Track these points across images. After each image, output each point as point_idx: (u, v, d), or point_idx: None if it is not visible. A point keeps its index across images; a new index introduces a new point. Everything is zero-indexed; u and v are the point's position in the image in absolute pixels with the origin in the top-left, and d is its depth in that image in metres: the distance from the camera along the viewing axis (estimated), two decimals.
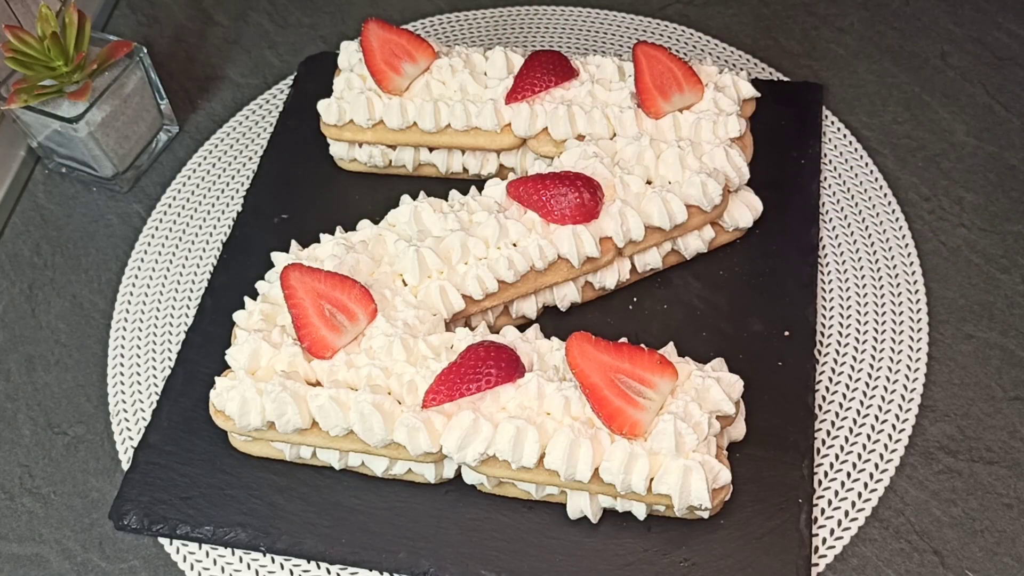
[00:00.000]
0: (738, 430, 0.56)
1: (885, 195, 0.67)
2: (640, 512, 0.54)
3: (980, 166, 0.68)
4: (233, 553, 0.57)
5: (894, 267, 0.64)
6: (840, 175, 0.68)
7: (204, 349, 0.63)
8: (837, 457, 0.57)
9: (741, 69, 0.74)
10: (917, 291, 0.63)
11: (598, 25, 0.80)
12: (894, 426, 0.58)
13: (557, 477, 0.52)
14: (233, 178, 0.74)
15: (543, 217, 0.59)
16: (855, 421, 0.58)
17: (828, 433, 0.58)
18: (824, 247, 0.65)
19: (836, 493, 0.56)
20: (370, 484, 0.57)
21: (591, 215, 0.59)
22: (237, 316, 0.59)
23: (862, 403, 0.59)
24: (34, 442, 0.62)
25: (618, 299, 0.63)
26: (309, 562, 0.56)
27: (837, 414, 0.58)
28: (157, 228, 0.72)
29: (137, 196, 0.74)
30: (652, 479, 0.51)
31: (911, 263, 0.64)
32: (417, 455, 0.53)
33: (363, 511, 0.57)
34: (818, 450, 0.57)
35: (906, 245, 0.65)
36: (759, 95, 0.66)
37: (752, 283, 0.63)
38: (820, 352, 0.61)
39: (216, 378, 0.56)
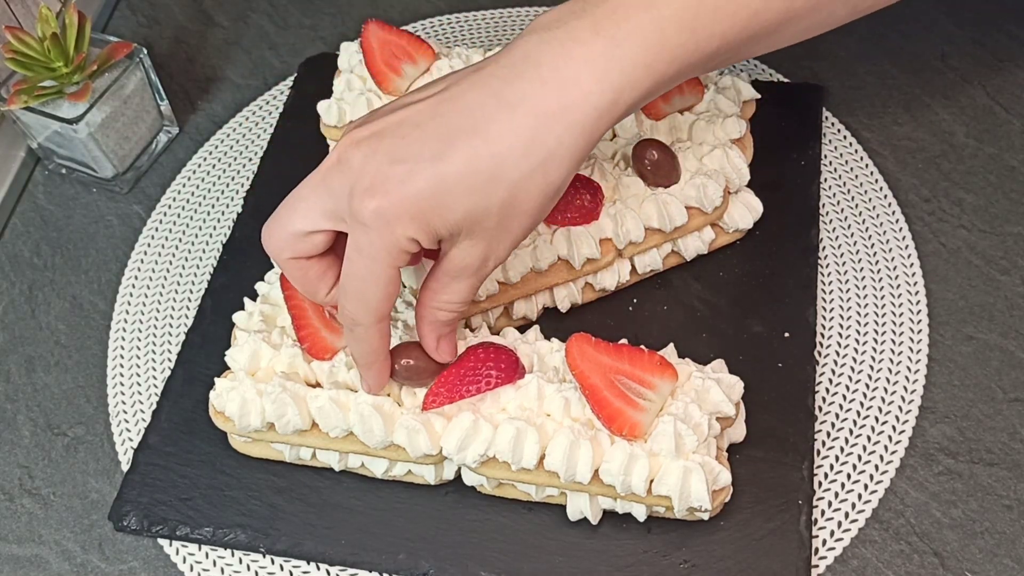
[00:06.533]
0: (738, 431, 0.56)
1: (885, 196, 0.67)
2: (640, 513, 0.54)
3: (980, 168, 0.68)
4: (233, 554, 0.57)
5: (894, 268, 0.64)
6: (840, 176, 0.68)
7: (204, 350, 0.63)
8: (837, 459, 0.57)
9: (741, 71, 0.74)
10: (917, 292, 0.63)
11: None
12: (894, 427, 0.58)
13: (557, 478, 0.52)
14: (233, 179, 0.74)
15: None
16: (855, 422, 0.58)
17: (828, 435, 0.58)
18: (824, 248, 0.65)
19: (836, 494, 0.56)
20: (370, 485, 0.57)
21: (591, 216, 0.59)
22: (237, 317, 0.59)
23: (862, 404, 0.59)
24: (34, 443, 0.62)
25: (618, 300, 0.63)
26: (309, 563, 0.56)
27: (837, 415, 0.58)
28: (157, 229, 0.72)
29: (137, 197, 0.74)
30: (652, 480, 0.51)
31: (911, 264, 0.64)
32: (417, 457, 0.53)
33: (363, 512, 0.56)
34: (818, 451, 0.57)
35: (906, 247, 0.64)
36: (759, 96, 0.66)
37: (752, 284, 0.63)
38: (820, 353, 0.61)
39: (216, 379, 0.56)
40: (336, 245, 0.51)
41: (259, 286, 0.60)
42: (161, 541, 0.58)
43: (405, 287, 0.59)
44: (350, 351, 0.52)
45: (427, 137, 0.46)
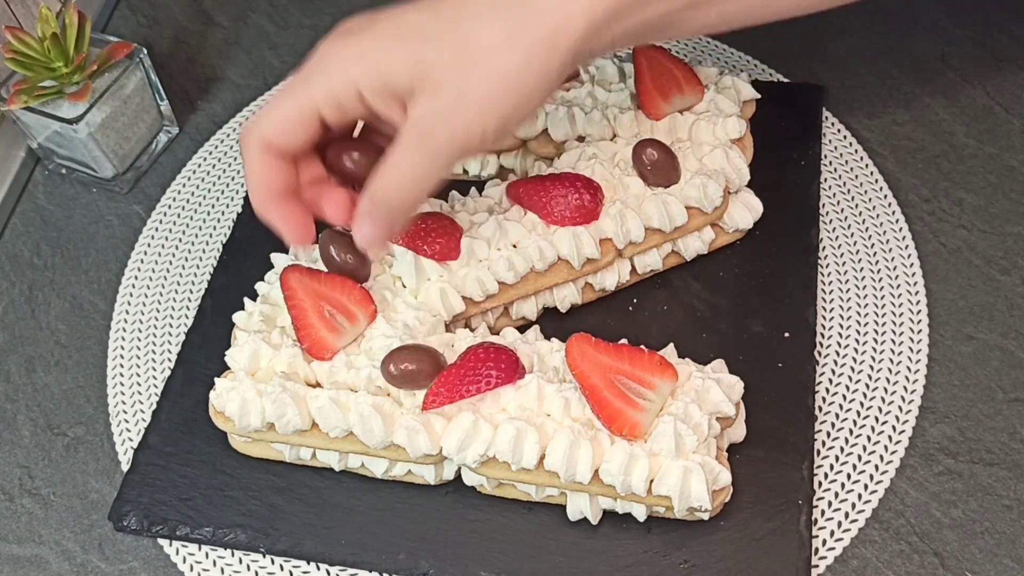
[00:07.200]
0: (738, 431, 0.56)
1: (885, 196, 0.67)
2: (640, 513, 0.54)
3: (980, 167, 0.68)
4: (233, 554, 0.57)
5: (894, 268, 0.64)
6: (840, 176, 0.68)
7: (204, 350, 0.63)
8: (837, 459, 0.57)
9: (741, 70, 0.74)
10: (917, 292, 0.63)
11: None
12: (894, 427, 0.58)
13: (557, 478, 0.52)
14: (233, 179, 0.74)
15: (543, 218, 0.59)
16: (855, 422, 0.58)
17: (828, 434, 0.58)
18: (824, 248, 0.65)
19: (836, 494, 0.56)
20: (370, 485, 0.57)
21: (591, 216, 0.59)
22: (237, 317, 0.59)
23: (862, 404, 0.59)
24: (34, 443, 0.62)
25: (618, 300, 0.63)
26: (309, 563, 0.56)
27: (837, 415, 0.58)
28: (157, 229, 0.72)
29: (137, 197, 0.74)
30: (652, 480, 0.51)
31: (911, 264, 0.64)
32: (417, 457, 0.53)
33: (363, 512, 0.56)
34: (818, 451, 0.57)
35: (906, 246, 0.64)
36: (759, 96, 0.66)
37: (752, 284, 0.63)
38: (820, 353, 0.61)
39: (216, 379, 0.56)
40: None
41: (259, 286, 0.60)
42: (161, 541, 0.58)
43: (405, 287, 0.59)
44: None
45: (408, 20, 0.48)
